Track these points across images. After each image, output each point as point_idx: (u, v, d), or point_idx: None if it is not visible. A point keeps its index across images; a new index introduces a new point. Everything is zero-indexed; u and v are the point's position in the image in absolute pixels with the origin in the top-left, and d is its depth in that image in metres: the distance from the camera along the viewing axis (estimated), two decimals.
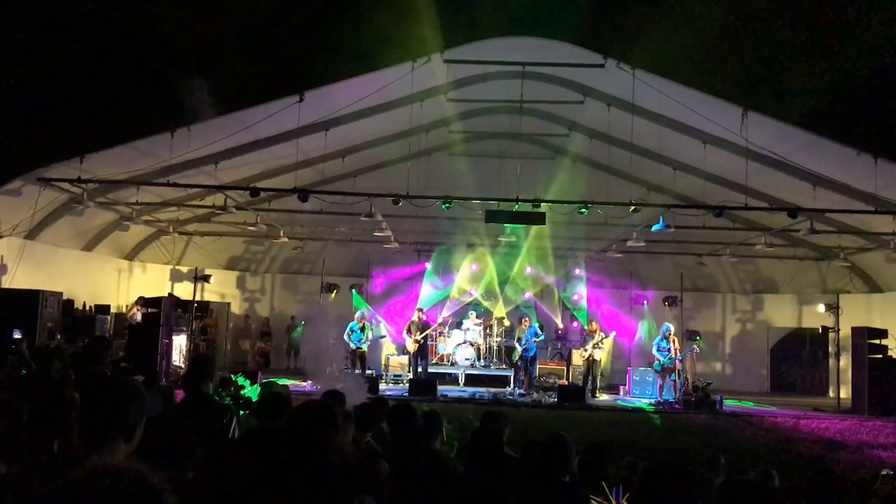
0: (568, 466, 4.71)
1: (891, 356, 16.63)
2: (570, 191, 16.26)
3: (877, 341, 16.89)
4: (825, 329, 19.31)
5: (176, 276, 21.56)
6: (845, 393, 17.93)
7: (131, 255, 20.83)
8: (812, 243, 19.41)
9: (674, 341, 17.11)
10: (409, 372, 18.46)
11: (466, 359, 19.17)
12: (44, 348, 12.25)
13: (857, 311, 19.57)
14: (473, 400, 15.99)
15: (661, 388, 17.21)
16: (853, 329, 17.64)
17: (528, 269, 21.14)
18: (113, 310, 18.87)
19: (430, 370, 18.54)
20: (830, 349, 19.91)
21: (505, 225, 17.29)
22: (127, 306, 19.54)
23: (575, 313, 20.58)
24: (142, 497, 1.39)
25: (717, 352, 22.16)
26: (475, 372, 19.02)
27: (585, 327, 18.75)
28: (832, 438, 12.82)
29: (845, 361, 18.63)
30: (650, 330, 19.48)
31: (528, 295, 21.06)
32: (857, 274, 20.87)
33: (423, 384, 16.55)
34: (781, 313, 22.31)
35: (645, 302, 21.12)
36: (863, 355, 16.83)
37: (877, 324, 18.02)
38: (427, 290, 20.99)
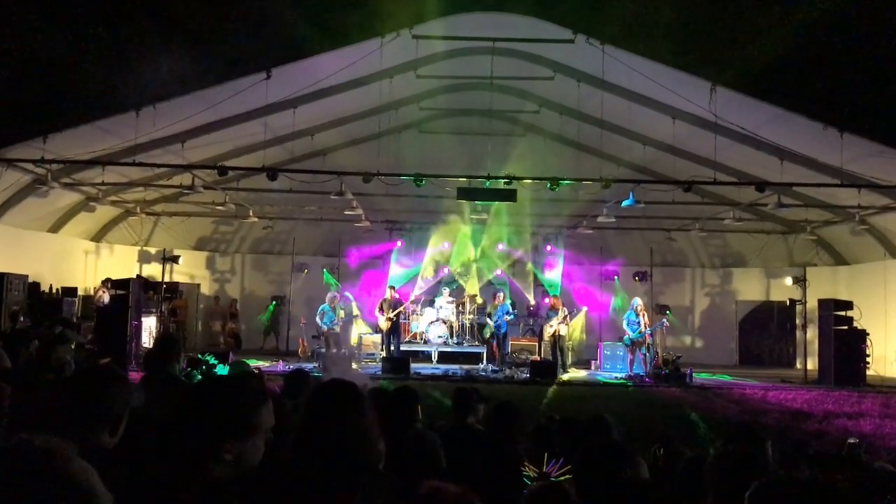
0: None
1: (856, 327, 16.89)
2: (541, 167, 16.26)
3: (842, 313, 17.14)
4: (792, 301, 19.58)
5: (144, 258, 21.32)
6: (812, 364, 18.22)
7: (98, 237, 20.56)
8: (779, 217, 19.65)
9: (643, 315, 17.26)
10: (381, 350, 18.45)
11: (439, 336, 19.20)
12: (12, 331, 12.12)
13: (824, 284, 19.89)
14: (447, 377, 16.02)
15: (632, 362, 17.36)
16: (820, 301, 17.89)
17: (500, 246, 21.17)
18: (80, 292, 18.65)
19: (402, 348, 18.54)
20: (797, 321, 20.21)
21: (476, 202, 17.27)
22: (95, 288, 19.29)
23: (548, 289, 20.66)
24: (46, 468, 1.35)
25: (687, 326, 22.40)
26: (448, 349, 19.05)
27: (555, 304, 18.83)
28: (799, 409, 13.01)
29: (812, 333, 18.91)
30: (623, 304, 19.56)
31: (500, 272, 21.11)
32: (823, 247, 21.20)
33: (396, 362, 16.56)
34: (749, 287, 22.60)
35: (616, 277, 21.28)
36: (829, 327, 17.08)
37: (842, 296, 18.32)
38: (398, 269, 20.95)
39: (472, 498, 1.92)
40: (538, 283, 21.23)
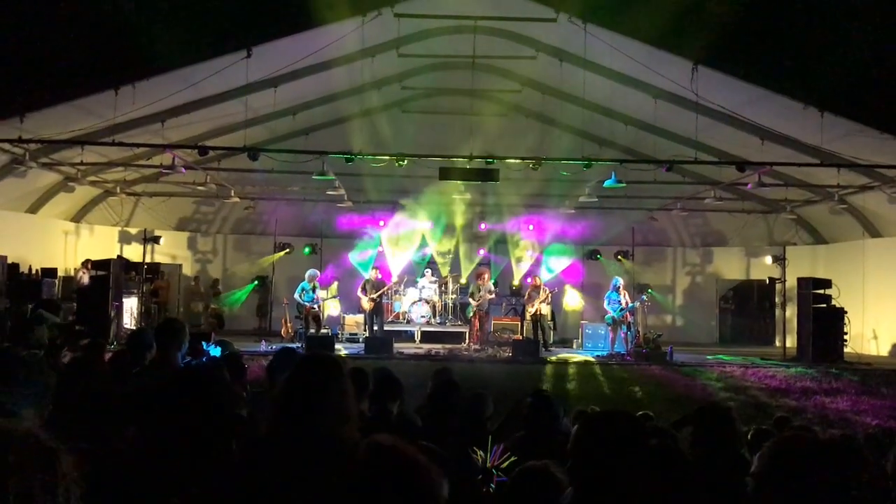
0: (483, 422, 4.84)
1: (834, 305, 17.06)
2: (524, 147, 16.27)
3: (821, 291, 17.30)
4: (772, 280, 19.75)
5: (125, 238, 21.17)
6: (791, 342, 18.41)
7: (78, 217, 20.37)
8: (759, 196, 19.79)
9: (624, 294, 17.37)
10: (364, 331, 18.46)
11: (422, 316, 19.22)
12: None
13: (803, 263, 20.07)
14: (429, 356, 16.06)
15: (613, 340, 17.48)
16: (799, 280, 18.05)
17: (482, 226, 21.24)
18: (60, 273, 18.49)
19: (385, 328, 18.56)
20: (777, 300, 20.40)
21: (459, 182, 17.26)
22: (75, 269, 19.15)
23: (547, 269, 20.75)
24: (35, 456, 1.37)
25: (668, 304, 22.56)
26: (431, 329, 19.09)
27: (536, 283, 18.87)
28: (778, 386, 13.19)
29: (791, 311, 19.09)
30: (614, 274, 19.47)
31: (482, 251, 21.19)
32: (802, 226, 21.38)
33: (379, 342, 16.58)
34: (730, 266, 22.78)
35: (598, 256, 21.42)
36: (808, 305, 17.24)
37: (821, 274, 18.49)
38: (380, 248, 20.94)
39: (414, 453, 1.90)
40: (520, 263, 21.30)
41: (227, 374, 4.60)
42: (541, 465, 2.88)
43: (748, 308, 22.59)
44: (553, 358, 16.67)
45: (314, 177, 15.99)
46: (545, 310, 17.93)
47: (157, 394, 2.31)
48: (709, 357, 17.13)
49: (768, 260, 20.31)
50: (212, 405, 2.16)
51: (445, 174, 15.59)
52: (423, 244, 21.04)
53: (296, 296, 17.61)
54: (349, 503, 1.81)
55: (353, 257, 20.90)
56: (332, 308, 19.79)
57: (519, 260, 21.24)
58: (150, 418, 2.21)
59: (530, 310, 17.99)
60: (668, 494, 2.38)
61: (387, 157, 15.37)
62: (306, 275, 17.83)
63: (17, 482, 1.32)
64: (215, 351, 5.03)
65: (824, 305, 17.13)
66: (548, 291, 17.99)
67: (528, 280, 19.36)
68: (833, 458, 2.01)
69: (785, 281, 19.08)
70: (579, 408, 6.69)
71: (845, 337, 16.96)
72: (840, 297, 17.17)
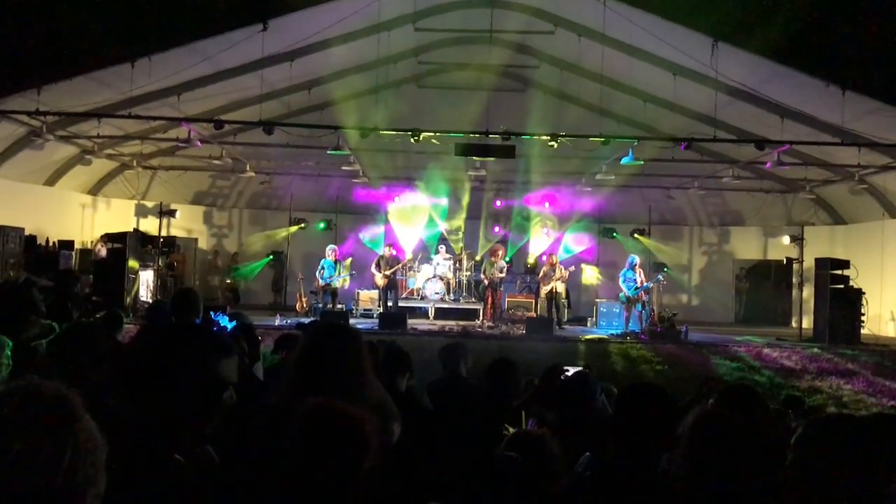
0: (517, 389, 4.82)
1: (852, 286, 16.91)
2: (540, 123, 16.15)
3: (839, 272, 17.14)
4: (789, 260, 19.59)
5: (141, 212, 21.25)
6: (807, 322, 18.31)
7: (95, 190, 20.47)
8: (778, 176, 19.60)
9: (640, 273, 17.28)
10: (378, 306, 18.50)
11: (436, 293, 19.22)
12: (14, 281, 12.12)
13: (821, 243, 19.87)
14: (443, 332, 16.07)
15: (628, 319, 17.40)
16: (816, 260, 17.90)
17: (498, 203, 21.16)
18: (77, 245, 18.62)
19: (399, 304, 18.60)
20: (794, 280, 20.24)
21: (474, 158, 17.18)
22: (92, 242, 19.27)
23: (564, 248, 20.70)
24: (58, 415, 1.36)
25: (684, 283, 22.45)
26: (445, 305, 19.11)
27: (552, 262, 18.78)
28: (793, 366, 13.11)
29: (808, 292, 18.98)
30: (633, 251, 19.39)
31: (497, 229, 21.14)
32: (821, 206, 21.16)
33: (393, 318, 16.60)
34: (747, 245, 22.63)
35: (614, 234, 21.33)
36: (825, 286, 17.10)
37: (839, 255, 18.30)
38: (394, 224, 20.98)
39: (358, 415, 1.92)
40: (538, 241, 21.25)
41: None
42: (538, 432, 2.86)
43: (765, 288, 22.45)
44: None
45: (329, 152, 15.95)
46: (560, 288, 17.87)
47: (146, 351, 2.33)
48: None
49: (786, 240, 20.11)
50: (196, 360, 2.16)
51: (461, 150, 15.52)
52: (437, 221, 21.00)
53: (317, 273, 17.62)
54: (291, 458, 1.87)
55: (365, 235, 20.93)
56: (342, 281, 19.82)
57: (535, 237, 21.19)
58: (140, 374, 2.22)
59: (545, 288, 17.94)
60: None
61: (402, 133, 15.30)
62: (327, 250, 17.81)
63: (25, 441, 1.30)
64: (224, 321, 5.06)
65: (842, 286, 16.97)
66: (563, 270, 17.89)
67: (544, 258, 19.29)
68: (873, 433, 1.98)
69: (802, 261, 18.90)
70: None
71: (862, 318, 16.81)
72: (858, 277, 17.01)
